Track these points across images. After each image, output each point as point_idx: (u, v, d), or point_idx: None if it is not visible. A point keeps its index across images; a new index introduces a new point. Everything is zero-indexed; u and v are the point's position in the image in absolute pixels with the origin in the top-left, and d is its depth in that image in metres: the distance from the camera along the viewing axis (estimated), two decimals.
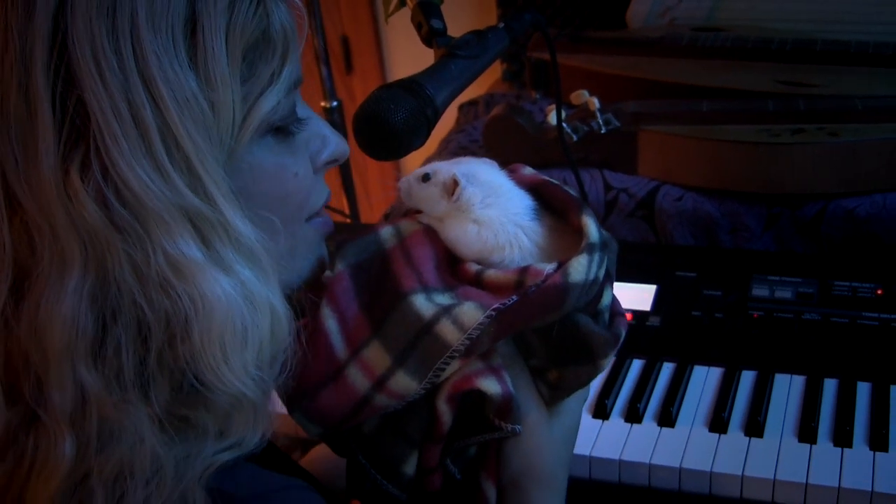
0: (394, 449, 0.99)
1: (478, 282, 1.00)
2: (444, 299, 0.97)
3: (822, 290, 1.61)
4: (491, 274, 1.00)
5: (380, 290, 0.99)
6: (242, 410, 0.82)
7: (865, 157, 1.78)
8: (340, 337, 0.97)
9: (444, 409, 0.96)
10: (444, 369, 0.94)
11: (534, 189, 1.07)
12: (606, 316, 1.04)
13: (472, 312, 0.93)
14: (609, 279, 1.04)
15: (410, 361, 0.94)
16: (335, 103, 2.19)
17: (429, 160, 2.16)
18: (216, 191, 0.78)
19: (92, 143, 0.74)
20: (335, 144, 0.96)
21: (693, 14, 2.35)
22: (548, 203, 1.06)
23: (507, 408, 0.96)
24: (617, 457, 1.40)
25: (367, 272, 1.02)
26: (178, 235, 0.76)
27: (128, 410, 0.77)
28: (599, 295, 1.02)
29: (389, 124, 1.06)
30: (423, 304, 0.95)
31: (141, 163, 0.74)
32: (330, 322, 0.98)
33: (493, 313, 0.93)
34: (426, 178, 1.05)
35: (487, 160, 1.09)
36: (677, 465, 1.37)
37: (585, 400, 1.08)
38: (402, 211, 1.10)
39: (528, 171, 1.10)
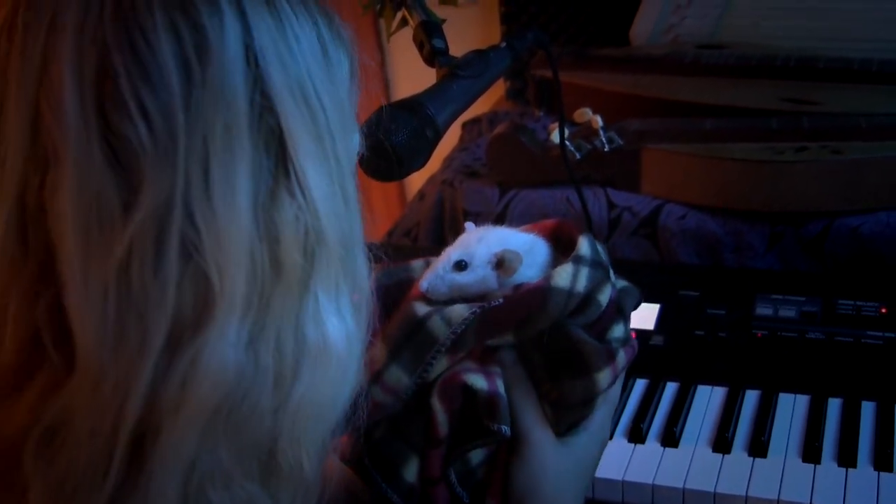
0: (393, 450, 1.01)
1: (483, 300, 1.03)
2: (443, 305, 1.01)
3: (825, 308, 1.60)
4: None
5: (397, 306, 1.04)
6: (291, 483, 0.81)
7: (869, 175, 1.78)
8: None
9: (438, 408, 0.99)
10: (432, 364, 0.98)
11: (553, 232, 1.11)
12: (615, 345, 1.04)
13: (459, 310, 0.99)
14: (622, 315, 1.07)
15: (404, 355, 0.99)
16: None
17: (432, 179, 2.16)
18: (357, 219, 0.81)
19: (290, 166, 0.74)
20: None
21: (697, 31, 2.35)
22: (564, 241, 1.09)
23: (493, 405, 0.98)
24: (620, 477, 1.39)
25: (391, 295, 1.05)
26: (329, 275, 0.77)
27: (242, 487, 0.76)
28: (601, 320, 1.03)
29: (390, 144, 1.05)
30: (421, 307, 1.01)
31: (328, 185, 0.76)
32: None
33: (478, 310, 0.98)
34: (462, 265, 1.04)
35: (497, 227, 1.10)
36: (681, 486, 1.37)
37: (604, 443, 1.08)
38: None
39: (548, 221, 1.13)
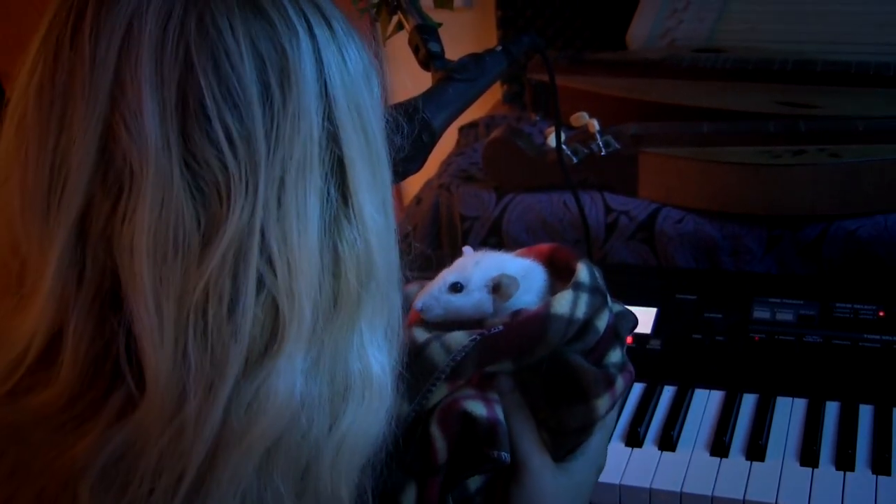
0: (392, 477, 0.98)
1: (480, 325, 1.02)
2: (442, 332, 1.00)
3: (823, 312, 1.60)
4: (491, 320, 1.02)
5: None
6: None
7: (867, 179, 1.78)
8: None
9: (437, 435, 0.97)
10: (432, 391, 0.97)
11: (550, 256, 1.10)
12: (612, 371, 1.03)
13: (458, 337, 0.97)
14: (619, 340, 1.06)
15: (402, 383, 0.95)
16: None
17: (429, 183, 2.16)
18: (396, 247, 0.81)
19: (349, 195, 0.75)
20: None
21: (693, 35, 2.35)
22: (560, 267, 1.08)
23: (492, 432, 0.96)
24: (617, 481, 1.39)
25: None
26: (372, 308, 0.77)
27: None
28: (599, 346, 1.02)
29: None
30: (420, 334, 0.99)
31: (379, 215, 0.77)
32: None
33: (478, 337, 0.97)
34: (458, 287, 1.03)
35: (494, 251, 1.09)
36: (678, 490, 1.36)
37: (600, 468, 1.07)
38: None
39: (543, 245, 1.12)
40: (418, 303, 1.03)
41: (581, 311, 0.98)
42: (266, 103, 0.70)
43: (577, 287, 1.00)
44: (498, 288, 1.02)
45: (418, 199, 2.15)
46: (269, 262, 0.71)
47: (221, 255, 0.69)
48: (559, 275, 1.07)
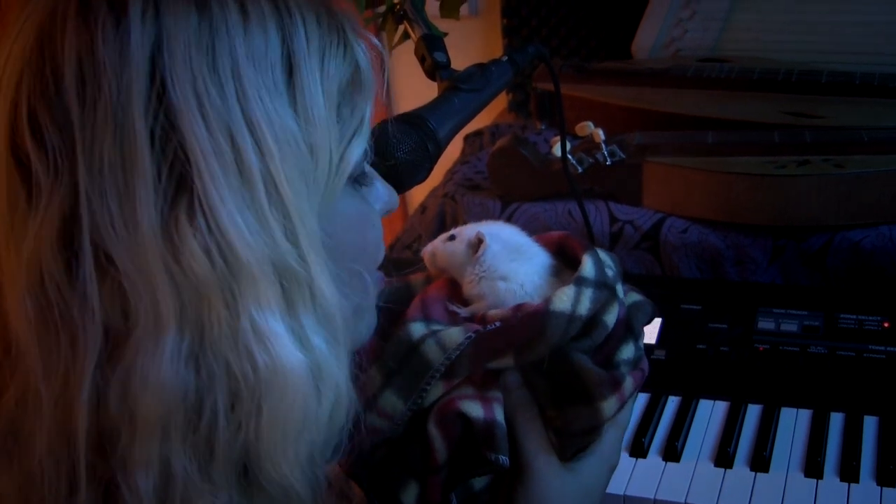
0: (391, 475, 0.99)
1: (482, 320, 1.00)
2: (439, 327, 0.99)
3: (827, 323, 1.60)
4: (492, 312, 1.01)
5: (393, 327, 1.01)
6: (276, 500, 0.79)
7: (871, 189, 1.77)
8: None
9: (435, 435, 0.96)
10: (427, 390, 0.96)
11: (559, 245, 1.08)
12: (624, 370, 1.01)
13: (454, 334, 0.96)
14: (631, 334, 1.03)
15: (397, 380, 0.96)
16: None
17: (434, 192, 2.16)
18: (308, 244, 0.76)
19: (195, 189, 0.71)
20: (387, 195, 0.93)
21: (698, 45, 2.35)
22: (569, 256, 1.06)
23: (489, 434, 0.95)
24: (622, 492, 1.39)
25: (391, 315, 1.02)
26: (264, 296, 0.74)
27: (214, 498, 0.75)
28: (609, 342, 1.00)
29: (391, 158, 1.05)
30: (417, 329, 0.98)
31: (242, 211, 0.73)
32: None
33: (473, 335, 0.95)
34: (451, 238, 1.07)
35: (510, 224, 1.10)
36: (682, 501, 1.36)
37: (612, 467, 1.04)
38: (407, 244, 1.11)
39: (554, 233, 1.11)
40: (426, 248, 1.10)
41: (584, 308, 0.96)
42: (80, 96, 0.71)
43: (580, 282, 0.97)
44: (472, 243, 1.04)
45: (423, 208, 2.15)
46: (107, 249, 0.71)
47: (45, 231, 0.71)
48: (568, 263, 1.05)
